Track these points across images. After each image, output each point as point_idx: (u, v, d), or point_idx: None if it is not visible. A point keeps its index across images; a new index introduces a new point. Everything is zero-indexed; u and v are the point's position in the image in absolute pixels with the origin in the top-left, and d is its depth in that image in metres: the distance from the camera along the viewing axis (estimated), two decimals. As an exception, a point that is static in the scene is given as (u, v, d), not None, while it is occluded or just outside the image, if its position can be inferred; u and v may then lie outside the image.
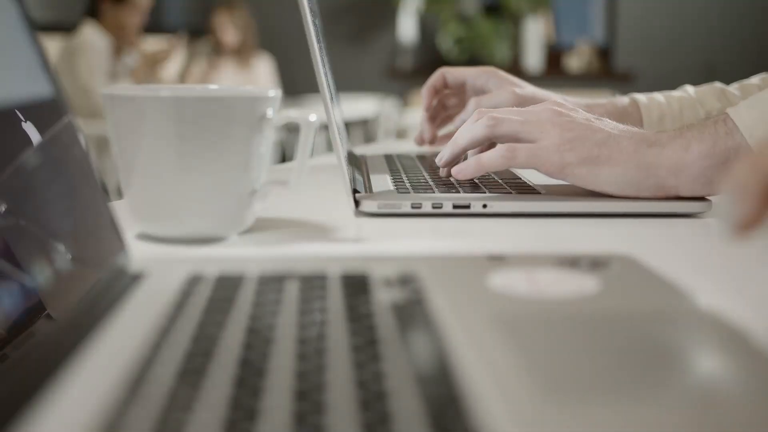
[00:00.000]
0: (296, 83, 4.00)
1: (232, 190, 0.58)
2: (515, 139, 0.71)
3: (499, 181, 0.79)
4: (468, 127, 0.73)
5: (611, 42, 4.88)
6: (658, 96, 0.94)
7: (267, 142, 0.60)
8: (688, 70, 4.52)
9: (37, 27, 0.42)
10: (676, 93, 0.95)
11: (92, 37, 3.00)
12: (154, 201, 0.58)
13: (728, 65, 4.52)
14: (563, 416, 0.27)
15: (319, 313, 0.38)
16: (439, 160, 0.77)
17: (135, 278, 0.45)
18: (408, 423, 0.26)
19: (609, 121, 0.72)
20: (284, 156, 3.08)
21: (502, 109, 0.74)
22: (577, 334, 0.36)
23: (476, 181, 0.78)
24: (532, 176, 0.82)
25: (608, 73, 4.87)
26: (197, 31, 4.06)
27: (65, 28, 3.24)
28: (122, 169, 0.59)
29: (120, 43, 3.10)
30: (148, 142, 0.56)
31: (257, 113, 0.58)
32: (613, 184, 0.69)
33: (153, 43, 3.32)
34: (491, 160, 0.70)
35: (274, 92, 0.60)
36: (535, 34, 4.83)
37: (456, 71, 1.01)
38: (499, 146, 0.71)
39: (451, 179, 0.77)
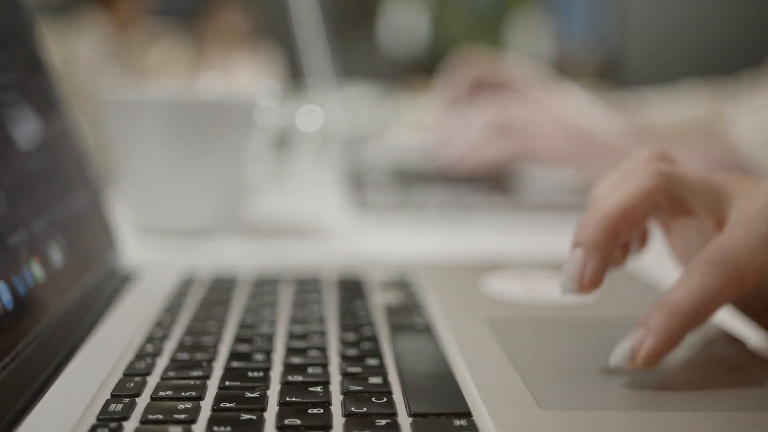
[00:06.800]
0: (305, 68, 3.97)
1: (225, 186, 0.60)
2: (515, 130, 0.73)
3: (495, 178, 0.79)
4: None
5: (619, 46, 4.86)
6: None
7: (262, 141, 0.61)
8: (694, 70, 4.51)
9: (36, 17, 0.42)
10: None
11: (83, 48, 2.95)
12: (149, 197, 0.59)
13: (733, 66, 4.51)
14: (558, 423, 0.27)
15: (313, 316, 0.38)
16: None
17: (128, 279, 0.45)
18: (402, 427, 0.26)
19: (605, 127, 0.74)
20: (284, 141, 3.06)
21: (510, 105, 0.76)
22: (572, 340, 0.36)
23: (473, 176, 0.78)
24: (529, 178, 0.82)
25: (614, 75, 4.84)
26: (193, 14, 4.01)
27: (57, 8, 3.20)
28: (119, 166, 0.60)
29: (122, 24, 3.07)
30: (145, 142, 0.58)
31: (251, 117, 0.60)
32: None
33: (147, 31, 3.30)
34: (488, 151, 0.72)
35: (270, 96, 0.61)
36: (538, 36, 4.82)
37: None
38: (497, 139, 0.73)
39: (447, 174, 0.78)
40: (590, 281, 0.32)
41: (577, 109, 0.80)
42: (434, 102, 1.05)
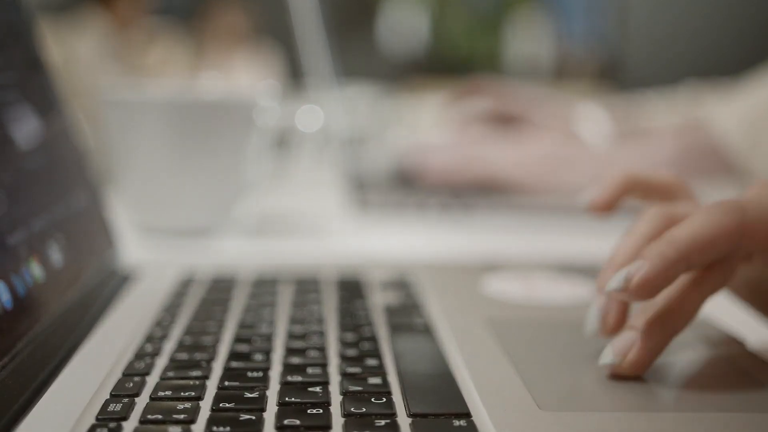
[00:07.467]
0: (305, 68, 3.97)
1: (225, 186, 0.60)
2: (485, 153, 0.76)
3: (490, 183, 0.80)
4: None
5: (619, 47, 4.85)
6: None
7: (262, 141, 0.61)
8: (694, 71, 4.49)
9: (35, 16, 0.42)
10: None
11: (83, 47, 2.95)
12: (149, 197, 0.60)
13: (733, 67, 4.50)
14: (557, 424, 0.27)
15: (312, 316, 0.38)
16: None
17: (127, 279, 0.45)
18: (402, 428, 0.26)
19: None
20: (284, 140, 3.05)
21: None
22: (572, 341, 0.36)
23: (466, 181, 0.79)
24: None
25: (614, 76, 4.83)
26: (193, 14, 4.01)
27: (57, 7, 3.19)
28: (119, 165, 0.60)
29: (122, 23, 3.07)
30: (144, 142, 0.59)
31: (250, 117, 0.60)
32: (576, 181, 0.72)
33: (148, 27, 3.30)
34: (457, 173, 0.75)
35: (270, 96, 0.61)
36: (537, 36, 4.82)
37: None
38: (467, 162, 0.76)
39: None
40: (634, 362, 0.31)
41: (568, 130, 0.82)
42: (442, 121, 1.04)
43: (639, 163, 0.71)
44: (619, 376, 0.31)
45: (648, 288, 0.30)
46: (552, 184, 0.74)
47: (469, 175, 0.76)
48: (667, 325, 0.31)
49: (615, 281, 0.30)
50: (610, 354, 0.31)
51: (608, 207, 0.36)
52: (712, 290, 0.31)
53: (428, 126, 1.13)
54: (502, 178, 0.75)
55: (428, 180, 0.78)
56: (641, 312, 0.31)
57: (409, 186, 0.80)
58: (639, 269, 0.30)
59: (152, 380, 0.30)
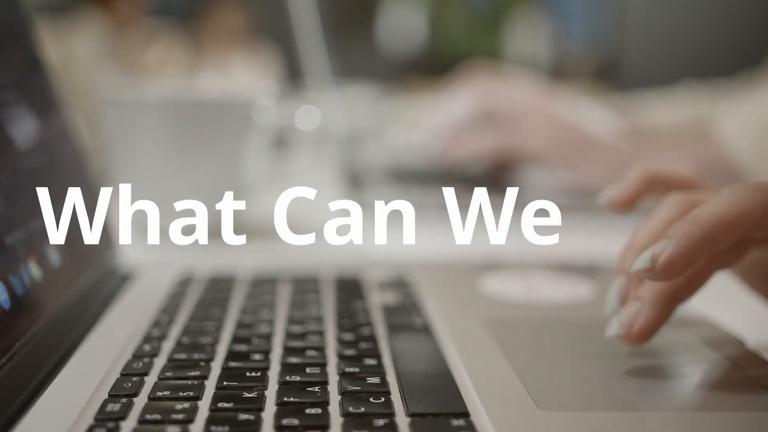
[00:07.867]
0: (303, 67, 3.97)
1: (224, 186, 0.60)
2: (501, 119, 0.74)
3: (495, 178, 0.79)
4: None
5: (617, 47, 4.85)
6: None
7: (261, 140, 0.61)
8: (692, 71, 4.49)
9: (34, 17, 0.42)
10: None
11: (81, 47, 2.95)
12: (148, 196, 0.59)
13: (731, 68, 4.50)
14: (556, 423, 0.27)
15: (311, 316, 0.38)
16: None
17: (126, 279, 0.45)
18: (400, 427, 0.26)
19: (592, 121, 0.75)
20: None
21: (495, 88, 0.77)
22: (570, 340, 0.36)
23: (466, 172, 0.79)
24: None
25: (612, 77, 4.83)
26: (191, 14, 4.01)
27: (55, 7, 3.19)
28: (117, 165, 0.60)
29: (120, 23, 3.07)
30: (143, 142, 0.59)
31: (249, 116, 0.60)
32: (594, 173, 0.71)
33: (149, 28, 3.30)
34: (474, 144, 0.73)
35: (268, 95, 0.61)
36: (536, 37, 4.82)
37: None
38: (483, 130, 0.74)
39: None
40: (640, 332, 0.31)
41: (576, 112, 0.80)
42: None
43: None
44: (625, 344, 0.31)
45: (674, 267, 0.29)
46: (572, 168, 0.73)
47: (495, 148, 0.75)
48: (674, 296, 0.31)
49: (641, 261, 0.30)
50: (615, 326, 0.31)
51: (630, 204, 0.36)
52: (723, 266, 0.32)
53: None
54: (526, 151, 0.74)
55: (453, 156, 0.77)
56: (649, 283, 0.31)
57: (414, 179, 0.80)
58: (665, 249, 0.29)
59: (151, 380, 0.30)
